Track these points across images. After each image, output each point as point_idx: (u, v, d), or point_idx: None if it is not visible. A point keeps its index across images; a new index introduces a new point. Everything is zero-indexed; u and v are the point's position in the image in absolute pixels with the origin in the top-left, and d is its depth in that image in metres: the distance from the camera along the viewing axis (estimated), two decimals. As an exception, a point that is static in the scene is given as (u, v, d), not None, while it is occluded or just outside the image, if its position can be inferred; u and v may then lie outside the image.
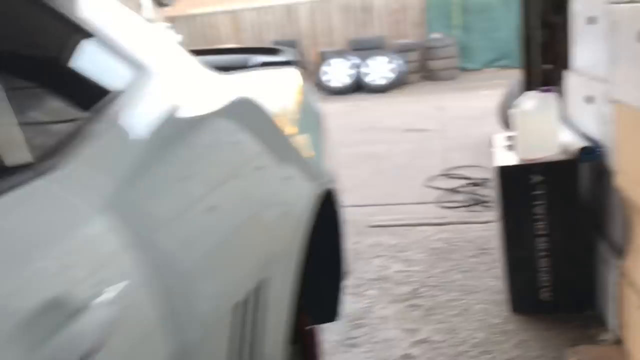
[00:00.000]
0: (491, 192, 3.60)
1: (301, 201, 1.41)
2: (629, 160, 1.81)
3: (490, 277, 2.67)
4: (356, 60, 10.43)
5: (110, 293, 0.73)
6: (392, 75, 10.11)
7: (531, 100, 2.23)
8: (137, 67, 1.06)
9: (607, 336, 2.08)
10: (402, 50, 10.59)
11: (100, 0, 1.12)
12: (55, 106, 1.05)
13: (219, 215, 1.06)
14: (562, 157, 2.17)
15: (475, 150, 4.98)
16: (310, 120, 1.73)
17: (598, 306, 2.22)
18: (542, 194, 2.17)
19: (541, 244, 2.23)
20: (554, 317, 2.26)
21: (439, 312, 2.43)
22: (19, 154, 0.75)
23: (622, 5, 1.74)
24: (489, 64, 10.80)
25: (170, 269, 0.88)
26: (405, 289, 2.66)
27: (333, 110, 8.81)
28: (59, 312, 0.66)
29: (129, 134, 0.97)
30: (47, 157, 0.79)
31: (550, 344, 2.12)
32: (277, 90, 1.64)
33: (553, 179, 2.16)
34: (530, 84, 2.88)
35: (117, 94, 0.98)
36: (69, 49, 1.04)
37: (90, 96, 0.96)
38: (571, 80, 2.45)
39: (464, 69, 10.86)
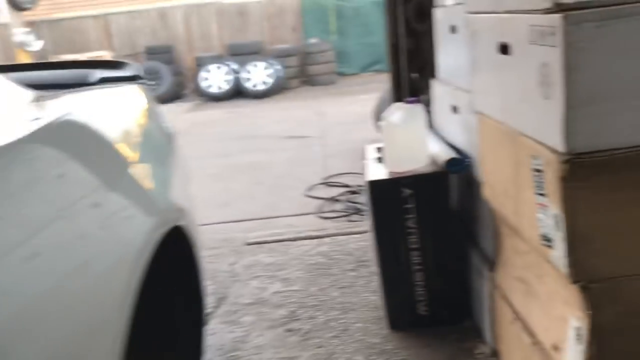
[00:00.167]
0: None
1: (134, 244, 1.17)
2: (492, 172, 1.78)
3: (368, 291, 2.60)
4: (235, 66, 10.22)
5: None
6: (270, 81, 10.01)
7: (398, 112, 2.16)
8: None
9: (484, 349, 2.06)
10: (280, 55, 10.51)
11: None
12: None
13: (17, 269, 0.84)
14: (431, 169, 2.13)
15: (355, 156, 4.95)
16: (155, 144, 1.52)
17: (475, 317, 2.20)
18: (413, 208, 2.12)
19: (415, 257, 2.18)
20: (433, 332, 2.21)
21: (318, 335, 2.31)
22: None
23: (481, 15, 1.70)
24: (366, 68, 11.00)
25: None
26: (283, 312, 2.52)
27: (212, 117, 8.62)
28: None
29: None
30: None
31: (429, 362, 2.07)
32: (115, 110, 1.42)
33: (423, 192, 2.11)
34: (399, 92, 2.85)
35: None
36: None
37: None
38: (437, 90, 2.42)
39: (342, 74, 10.99)
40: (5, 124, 1.02)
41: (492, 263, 1.95)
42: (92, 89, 1.46)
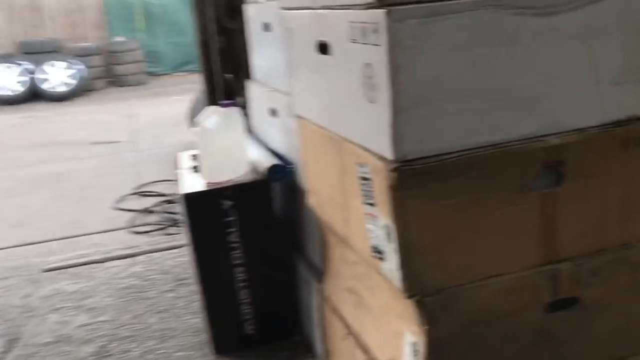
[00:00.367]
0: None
1: None
2: (316, 179, 1.67)
3: (190, 314, 2.37)
4: (29, 66, 9.17)
5: None
6: (73, 82, 9.15)
7: (213, 116, 1.97)
8: None
9: (315, 365, 1.95)
10: (82, 54, 9.66)
11: None
12: None
13: None
14: (252, 178, 1.97)
15: (170, 162, 4.64)
16: None
17: (305, 332, 2.09)
18: (235, 220, 1.94)
19: (239, 274, 2.01)
20: (262, 351, 2.06)
21: (134, 371, 2.04)
22: None
23: (297, 11, 1.57)
24: (177, 68, 10.59)
25: None
26: (91, 348, 2.19)
27: (3, 123, 7.61)
28: None
29: None
30: None
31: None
32: None
33: (244, 203, 1.94)
34: (213, 94, 2.65)
35: None
36: None
37: None
38: (254, 91, 2.27)
39: (153, 74, 10.47)
40: None
41: (320, 274, 1.85)
42: None
